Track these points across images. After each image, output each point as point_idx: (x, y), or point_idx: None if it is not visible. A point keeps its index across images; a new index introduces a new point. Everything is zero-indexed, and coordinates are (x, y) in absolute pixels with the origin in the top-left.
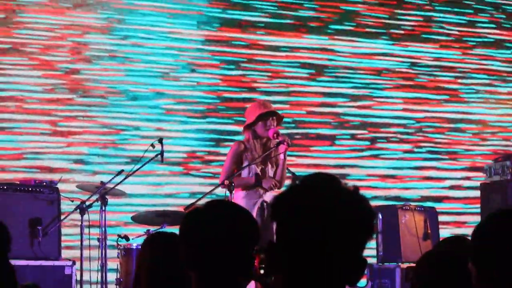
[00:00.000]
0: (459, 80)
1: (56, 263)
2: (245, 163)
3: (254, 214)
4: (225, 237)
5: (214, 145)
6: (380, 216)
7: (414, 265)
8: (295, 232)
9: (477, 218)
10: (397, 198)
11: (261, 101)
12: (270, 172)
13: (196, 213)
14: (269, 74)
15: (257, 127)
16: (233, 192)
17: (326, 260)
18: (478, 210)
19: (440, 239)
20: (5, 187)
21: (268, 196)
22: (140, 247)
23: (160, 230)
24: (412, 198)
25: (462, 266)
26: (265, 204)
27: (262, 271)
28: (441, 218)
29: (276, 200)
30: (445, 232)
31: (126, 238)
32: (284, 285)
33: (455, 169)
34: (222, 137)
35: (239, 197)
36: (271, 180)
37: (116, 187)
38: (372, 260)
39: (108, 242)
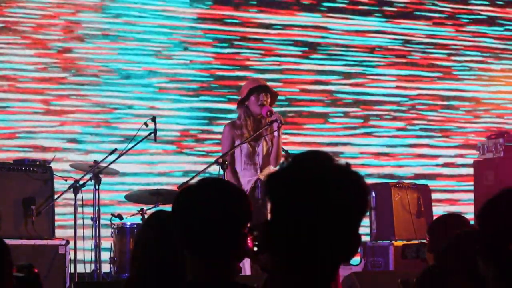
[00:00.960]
0: (452, 58)
1: (50, 242)
2: (237, 142)
3: (248, 192)
4: (217, 215)
5: (207, 123)
6: (373, 194)
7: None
8: (288, 210)
9: (470, 196)
10: (390, 176)
11: (254, 78)
12: (259, 150)
13: (189, 191)
14: (262, 52)
15: (250, 103)
16: (226, 170)
17: (320, 238)
18: (471, 188)
19: (434, 217)
20: None
21: (263, 174)
22: (134, 225)
23: (157, 208)
24: (405, 176)
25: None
26: (259, 182)
27: (255, 248)
28: (434, 195)
29: (269, 178)
30: (438, 210)
31: (120, 217)
32: (278, 263)
33: (448, 147)
34: (215, 115)
35: (228, 175)
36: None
37: (110, 166)
38: (365, 238)
39: (102, 221)
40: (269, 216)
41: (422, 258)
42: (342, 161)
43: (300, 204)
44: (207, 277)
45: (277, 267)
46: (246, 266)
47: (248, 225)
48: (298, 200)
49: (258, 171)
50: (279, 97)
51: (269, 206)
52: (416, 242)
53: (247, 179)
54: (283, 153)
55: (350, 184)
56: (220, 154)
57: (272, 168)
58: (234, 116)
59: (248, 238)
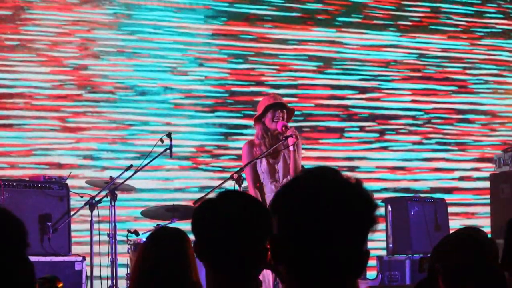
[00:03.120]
0: (468, 71)
1: (66, 258)
2: (258, 161)
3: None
4: (237, 227)
5: (223, 139)
6: (389, 208)
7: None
8: (296, 223)
9: (487, 209)
10: (406, 190)
11: (271, 94)
12: (280, 167)
13: (209, 204)
14: (277, 67)
15: (266, 120)
16: (242, 186)
17: (327, 252)
18: (488, 201)
19: (450, 230)
20: (14, 184)
21: None
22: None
23: (167, 225)
24: (421, 190)
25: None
26: None
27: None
28: (451, 209)
29: (279, 192)
30: (455, 223)
31: (136, 233)
32: (287, 276)
33: (464, 160)
34: (231, 131)
35: (250, 192)
36: None
37: (125, 182)
38: (382, 253)
39: (118, 237)
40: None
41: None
42: (351, 176)
43: (308, 218)
44: None
45: (286, 280)
46: (269, 278)
47: (268, 237)
48: (306, 213)
49: (277, 187)
50: (295, 112)
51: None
52: None
53: (267, 195)
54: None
55: (357, 199)
56: (235, 170)
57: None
58: (249, 131)
59: (268, 250)
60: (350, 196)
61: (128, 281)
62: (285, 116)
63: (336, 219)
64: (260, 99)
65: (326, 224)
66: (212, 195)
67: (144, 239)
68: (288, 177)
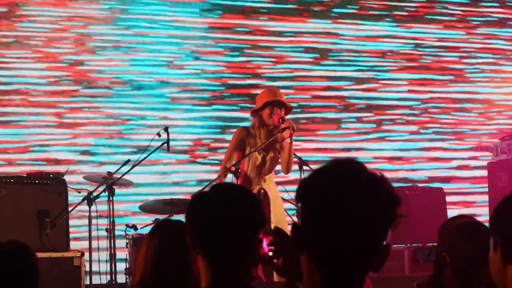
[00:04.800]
0: (464, 60)
1: (65, 254)
2: (248, 150)
3: None
4: (232, 220)
5: (220, 132)
6: None
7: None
8: (321, 215)
9: (485, 198)
10: (404, 180)
11: (272, 89)
12: (268, 160)
13: (202, 196)
14: (273, 59)
15: (263, 114)
16: (239, 177)
17: (351, 245)
18: (486, 190)
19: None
20: (12, 180)
21: (267, 184)
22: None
23: (167, 218)
24: (419, 180)
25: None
26: (262, 191)
27: (270, 254)
28: (449, 198)
29: (303, 183)
30: (453, 212)
31: (134, 227)
32: (308, 265)
33: (462, 149)
34: (228, 124)
35: (221, 168)
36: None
37: (123, 177)
38: None
39: (117, 232)
40: (271, 224)
41: (433, 261)
42: (376, 170)
43: (330, 211)
44: (222, 283)
45: (305, 271)
46: (259, 272)
47: (262, 230)
48: (328, 206)
49: (262, 181)
50: (291, 104)
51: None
52: (430, 245)
53: (252, 187)
54: (295, 159)
55: (383, 194)
56: (233, 162)
57: (282, 175)
58: (246, 124)
59: (262, 243)
60: (377, 190)
61: (127, 276)
62: (283, 113)
63: (362, 213)
64: (256, 91)
65: (352, 217)
66: (206, 188)
67: (144, 233)
68: (284, 169)
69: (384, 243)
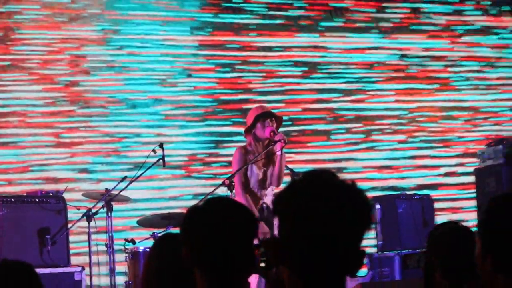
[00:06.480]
0: (449, 69)
1: (66, 269)
2: (249, 167)
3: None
4: (224, 233)
5: (214, 147)
6: (378, 206)
7: (411, 252)
8: (296, 226)
9: (473, 203)
10: (393, 188)
11: (259, 105)
12: (269, 174)
13: (196, 210)
14: (264, 74)
15: (256, 130)
16: (233, 191)
17: (327, 253)
18: (474, 195)
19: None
20: (13, 200)
21: (268, 199)
22: (147, 249)
23: (166, 231)
24: (408, 187)
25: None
26: (264, 205)
27: (263, 264)
28: (437, 205)
29: (278, 197)
30: (442, 219)
31: (133, 242)
32: (289, 277)
33: (449, 156)
34: (221, 138)
35: (239, 197)
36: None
37: (121, 193)
38: (372, 250)
39: (116, 247)
40: (276, 232)
41: (423, 267)
42: (347, 176)
43: (308, 221)
44: None
45: (286, 282)
46: (253, 281)
47: (255, 241)
48: (306, 217)
49: (264, 196)
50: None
51: (276, 223)
52: (419, 251)
53: (254, 203)
54: (287, 171)
55: (355, 201)
56: (227, 176)
57: (274, 188)
58: (239, 138)
59: (256, 254)
60: (349, 198)
61: None
62: (275, 124)
63: (336, 221)
64: (248, 106)
65: (327, 226)
66: (200, 202)
67: (141, 248)
68: (273, 183)
69: (360, 248)
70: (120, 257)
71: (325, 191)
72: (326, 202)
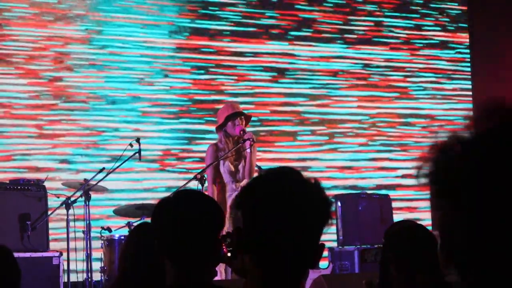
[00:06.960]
0: (408, 79)
1: (45, 254)
2: (220, 163)
3: (230, 204)
4: (192, 224)
5: (187, 143)
6: (339, 204)
7: (369, 247)
8: (259, 219)
9: (428, 204)
10: (354, 187)
11: (229, 104)
12: (241, 168)
13: (166, 202)
14: (236, 77)
15: (227, 128)
16: (205, 185)
17: (288, 245)
18: (428, 196)
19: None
20: None
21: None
22: (122, 237)
23: (141, 221)
24: (368, 187)
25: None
26: None
27: (229, 254)
28: (395, 204)
29: (242, 189)
30: (399, 217)
31: (109, 229)
32: (251, 264)
33: (406, 160)
34: (194, 135)
35: (209, 188)
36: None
37: (98, 184)
38: (333, 244)
39: (92, 234)
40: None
41: (380, 261)
42: (309, 176)
43: (269, 215)
44: (185, 282)
45: (249, 270)
46: (221, 270)
47: (223, 232)
48: (267, 211)
49: (238, 188)
50: (252, 118)
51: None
52: (376, 246)
53: (228, 194)
54: (256, 168)
55: (316, 197)
56: (199, 171)
57: (245, 182)
58: (211, 136)
59: (223, 245)
60: (309, 194)
61: (102, 274)
62: (244, 122)
63: (296, 215)
64: (220, 106)
65: (287, 220)
66: (169, 194)
67: (117, 235)
68: (245, 177)
69: (319, 242)
70: (96, 244)
71: (287, 187)
72: (287, 197)
